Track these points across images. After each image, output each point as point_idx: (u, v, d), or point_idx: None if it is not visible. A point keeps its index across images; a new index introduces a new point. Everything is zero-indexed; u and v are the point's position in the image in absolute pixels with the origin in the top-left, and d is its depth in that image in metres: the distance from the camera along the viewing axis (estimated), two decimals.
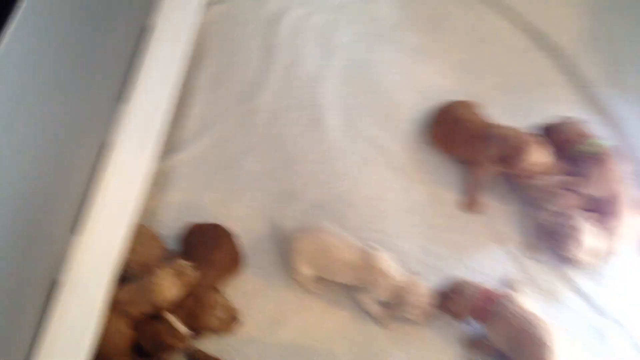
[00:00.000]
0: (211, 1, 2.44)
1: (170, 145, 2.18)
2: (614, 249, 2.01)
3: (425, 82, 2.35)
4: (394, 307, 1.88)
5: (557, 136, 2.09)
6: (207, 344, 1.87)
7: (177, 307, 1.80)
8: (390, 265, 1.89)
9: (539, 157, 2.01)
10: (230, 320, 1.88)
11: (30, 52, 1.43)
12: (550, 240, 2.01)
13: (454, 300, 1.87)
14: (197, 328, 1.83)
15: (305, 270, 1.93)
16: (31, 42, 1.42)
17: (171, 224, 2.04)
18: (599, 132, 2.25)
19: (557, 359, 1.76)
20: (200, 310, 1.81)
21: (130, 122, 1.98)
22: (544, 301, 1.99)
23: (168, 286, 1.76)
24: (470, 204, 2.13)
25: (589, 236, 1.94)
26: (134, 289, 1.77)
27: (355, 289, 1.93)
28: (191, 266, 1.81)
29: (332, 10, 2.51)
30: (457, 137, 2.15)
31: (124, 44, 2.01)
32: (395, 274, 1.88)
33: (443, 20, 2.49)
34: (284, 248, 1.99)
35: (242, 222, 2.07)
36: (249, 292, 1.97)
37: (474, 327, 1.92)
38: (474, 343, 1.92)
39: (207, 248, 1.90)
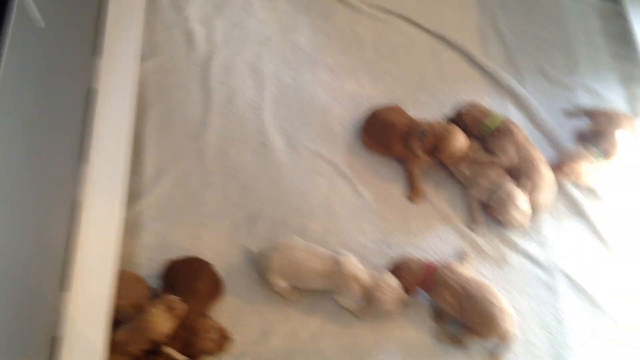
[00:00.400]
0: (144, 55, 2.60)
1: (132, 194, 2.31)
2: (542, 205, 2.31)
3: (352, 95, 2.60)
4: (370, 305, 2.06)
5: (464, 120, 2.36)
6: None
7: (172, 338, 1.93)
8: (358, 267, 2.08)
9: (463, 142, 2.28)
10: (222, 340, 2.03)
11: None
12: (490, 210, 2.27)
13: (401, 277, 2.09)
14: (194, 354, 1.97)
15: (281, 283, 2.10)
16: None
17: (149, 265, 2.18)
18: (510, 111, 2.58)
19: (503, 312, 2.03)
20: (195, 338, 1.95)
21: (95, 179, 2.13)
22: (495, 267, 2.26)
23: (162, 321, 1.89)
24: (414, 194, 2.38)
25: (521, 198, 2.22)
26: (130, 328, 1.90)
27: (331, 292, 2.12)
28: (178, 299, 1.95)
29: (256, 45, 2.71)
30: (388, 138, 2.39)
31: (75, 107, 2.15)
32: (363, 276, 2.05)
33: (356, 39, 2.75)
34: (259, 267, 2.17)
35: (215, 250, 2.23)
36: (233, 312, 2.14)
37: (424, 298, 2.16)
38: (436, 315, 2.15)
39: (189, 280, 2.04)
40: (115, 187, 2.16)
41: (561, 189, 2.39)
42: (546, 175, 2.27)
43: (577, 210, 2.37)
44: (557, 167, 2.32)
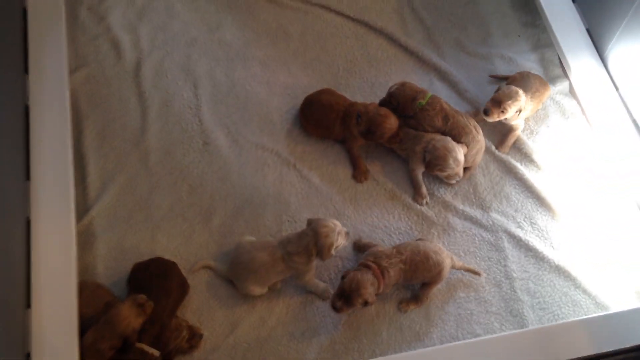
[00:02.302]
0: (72, 68, 2.57)
1: (80, 206, 2.29)
2: (475, 163, 2.47)
3: (286, 85, 2.66)
4: (323, 255, 2.06)
5: (397, 100, 2.45)
6: None
7: (141, 336, 1.94)
8: (291, 238, 2.11)
9: (393, 123, 2.38)
10: (194, 337, 2.06)
11: None
12: (431, 167, 2.37)
13: (360, 297, 2.05)
14: (168, 352, 1.99)
15: (257, 289, 2.15)
16: None
17: (108, 274, 2.19)
18: (435, 84, 2.71)
19: (441, 252, 2.18)
20: (169, 337, 1.97)
21: (41, 195, 2.12)
22: (443, 234, 2.38)
23: (130, 315, 1.89)
24: (358, 174, 2.47)
25: (459, 151, 2.35)
26: (99, 326, 1.89)
27: (295, 278, 2.18)
28: (145, 297, 1.95)
29: (183, 46, 2.73)
30: (326, 120, 2.46)
31: (16, 125, 2.12)
32: (297, 240, 2.08)
33: (282, 31, 2.81)
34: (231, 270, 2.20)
35: (173, 252, 2.25)
36: (199, 310, 2.17)
37: None
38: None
39: (157, 279, 2.05)
40: (62, 200, 2.16)
41: (492, 153, 2.54)
42: (476, 138, 2.43)
43: (509, 171, 2.52)
44: (491, 105, 2.43)
